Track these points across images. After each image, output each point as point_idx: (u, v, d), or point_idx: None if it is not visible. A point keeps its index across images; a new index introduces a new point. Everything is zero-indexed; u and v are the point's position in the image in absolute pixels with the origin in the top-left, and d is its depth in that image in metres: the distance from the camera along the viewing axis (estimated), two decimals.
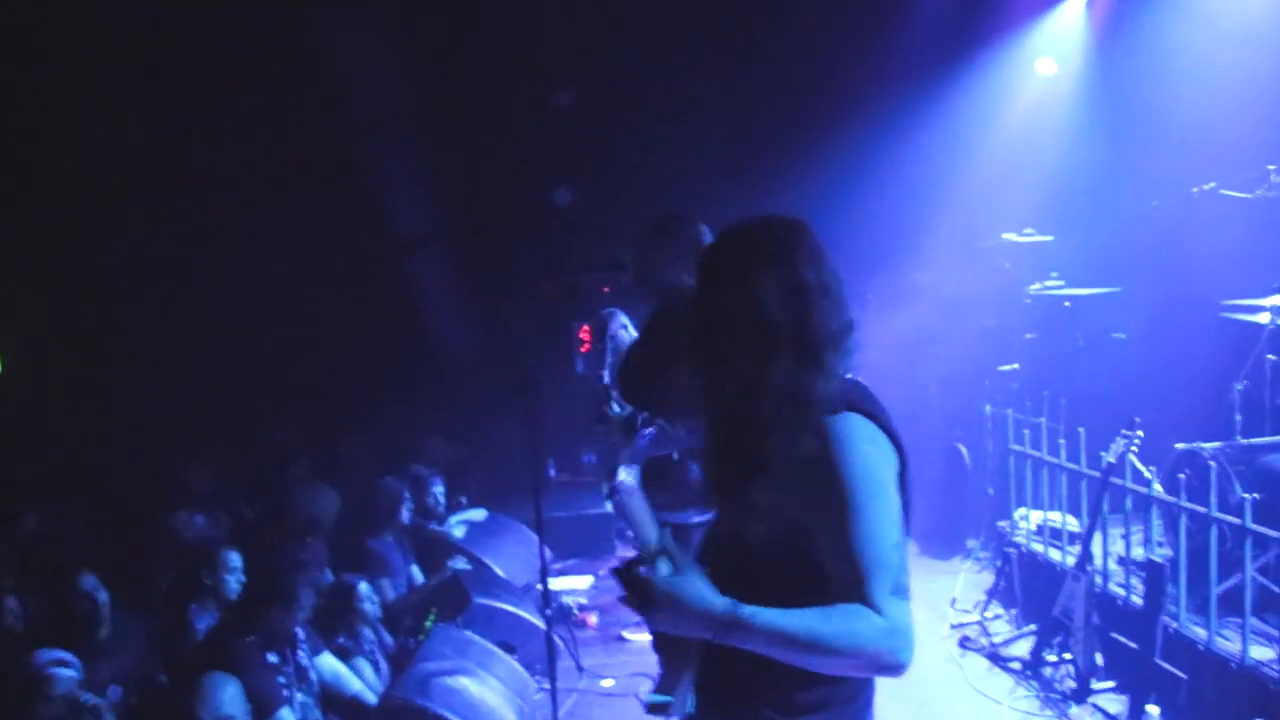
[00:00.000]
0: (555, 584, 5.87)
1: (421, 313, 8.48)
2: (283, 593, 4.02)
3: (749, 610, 1.49)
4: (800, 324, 1.65)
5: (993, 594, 5.64)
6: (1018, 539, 5.75)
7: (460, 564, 5.77)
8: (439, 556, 5.93)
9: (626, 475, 2.62)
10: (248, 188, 7.26)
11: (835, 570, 1.54)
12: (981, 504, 6.48)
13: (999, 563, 5.84)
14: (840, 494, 1.56)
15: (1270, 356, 4.72)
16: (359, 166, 7.75)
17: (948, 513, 6.97)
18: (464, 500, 7.13)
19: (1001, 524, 6.07)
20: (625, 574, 1.55)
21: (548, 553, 4.77)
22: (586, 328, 9.36)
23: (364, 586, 4.85)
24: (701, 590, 1.52)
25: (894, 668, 1.52)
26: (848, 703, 1.72)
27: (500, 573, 5.90)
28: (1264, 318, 4.64)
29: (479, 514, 6.80)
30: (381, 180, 7.90)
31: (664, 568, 1.55)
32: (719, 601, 1.51)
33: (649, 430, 3.31)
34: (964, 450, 6.79)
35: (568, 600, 6.08)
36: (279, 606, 3.99)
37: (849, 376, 1.74)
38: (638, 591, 1.53)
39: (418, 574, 5.80)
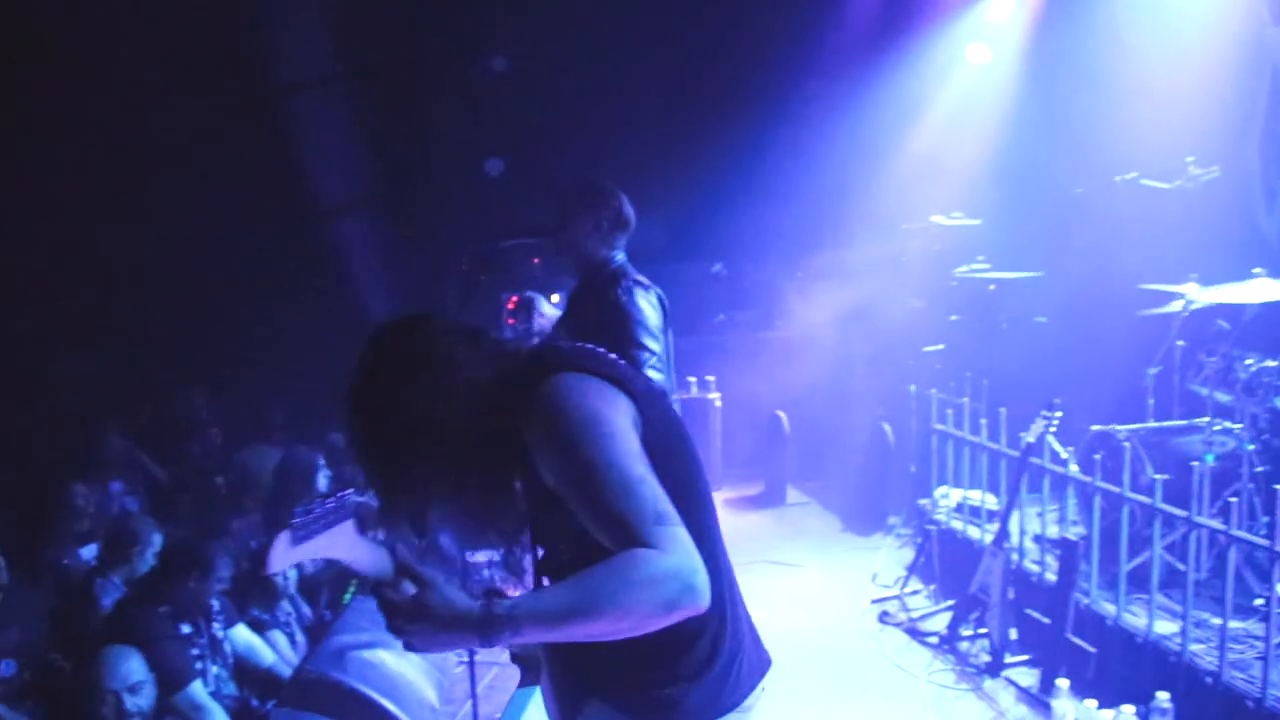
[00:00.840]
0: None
1: (344, 277, 8.41)
2: (201, 562, 3.92)
3: (505, 604, 1.43)
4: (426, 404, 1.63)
5: (912, 570, 5.68)
6: (938, 516, 5.80)
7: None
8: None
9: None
10: (163, 144, 7.08)
11: (597, 530, 1.49)
12: (904, 482, 6.52)
13: (919, 539, 5.88)
14: (565, 448, 1.53)
15: (1180, 343, 4.80)
16: (283, 126, 7.63)
17: (871, 490, 7.03)
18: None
19: (923, 501, 6.12)
20: (376, 600, 1.49)
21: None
22: (515, 300, 9.40)
23: None
24: (449, 598, 1.45)
25: (688, 593, 1.43)
26: (696, 677, 1.67)
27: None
28: (1176, 305, 4.71)
29: None
30: (306, 141, 7.76)
31: (407, 588, 1.48)
32: (471, 604, 1.44)
33: None
34: (888, 429, 6.82)
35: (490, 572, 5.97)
36: (196, 577, 3.89)
37: (577, 346, 1.73)
38: (389, 614, 1.46)
39: None
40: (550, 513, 1.60)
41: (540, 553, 1.72)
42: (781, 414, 7.53)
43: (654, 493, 1.50)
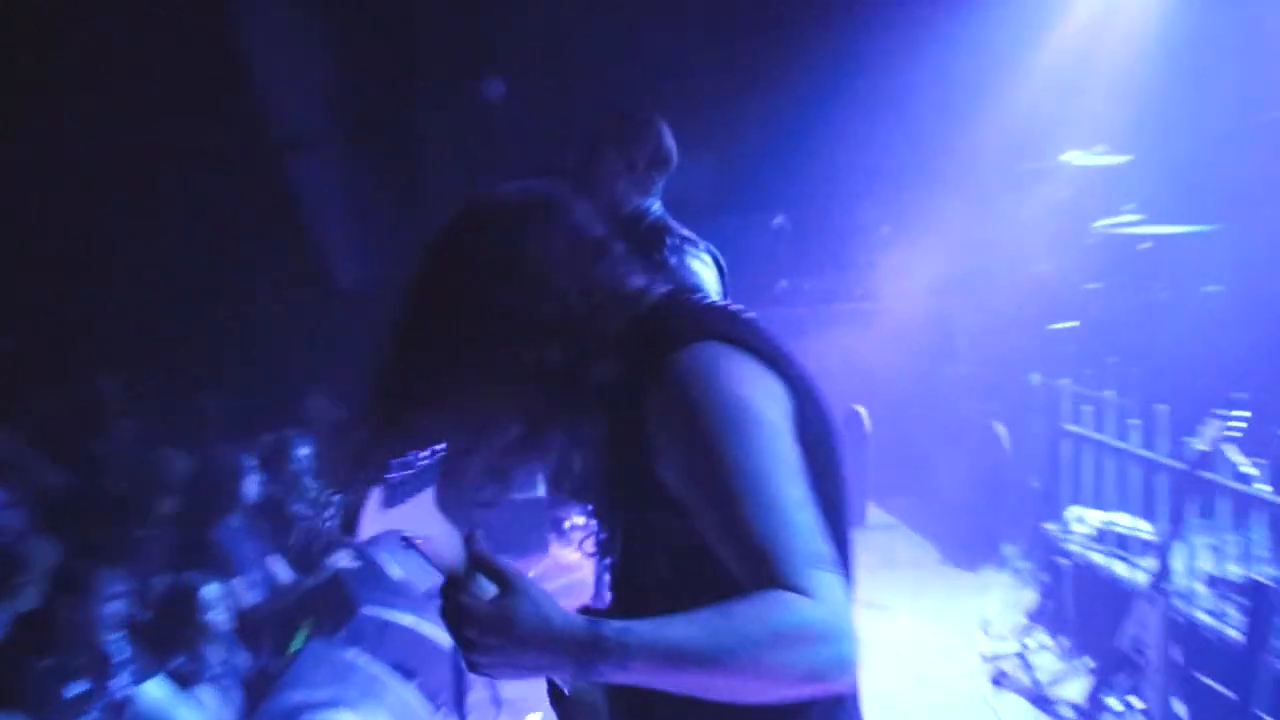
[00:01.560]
0: None
1: (304, 235, 8.47)
2: (76, 586, 3.81)
3: (617, 625, 1.43)
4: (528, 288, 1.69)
5: (1037, 617, 5.65)
6: (1071, 547, 5.74)
7: (344, 560, 5.68)
8: (315, 550, 5.86)
9: None
10: (67, 44, 7.14)
11: (728, 554, 1.51)
12: (1023, 500, 6.50)
13: (1045, 577, 5.87)
14: (707, 446, 1.54)
15: None
16: (216, 28, 7.62)
17: (978, 511, 7.02)
18: None
19: (1049, 527, 6.07)
20: (442, 603, 1.50)
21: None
22: None
23: (210, 590, 4.67)
24: (545, 610, 1.46)
25: (837, 665, 1.44)
26: None
27: (397, 572, 5.86)
28: None
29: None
30: (246, 49, 7.75)
31: (488, 587, 1.48)
32: (572, 620, 1.45)
33: None
34: (1002, 431, 6.84)
35: None
36: (69, 607, 3.76)
37: (718, 304, 1.79)
38: (459, 623, 1.48)
39: (283, 572, 5.70)
40: (655, 514, 1.64)
41: (612, 561, 1.77)
42: (861, 409, 7.52)
43: (813, 523, 1.52)
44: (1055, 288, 6.86)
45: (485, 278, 1.68)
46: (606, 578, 1.80)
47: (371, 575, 5.72)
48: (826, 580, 1.48)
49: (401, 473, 1.98)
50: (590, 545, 1.84)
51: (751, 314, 1.78)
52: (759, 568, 1.47)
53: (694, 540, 1.56)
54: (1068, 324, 6.63)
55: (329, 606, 5.16)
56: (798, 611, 1.44)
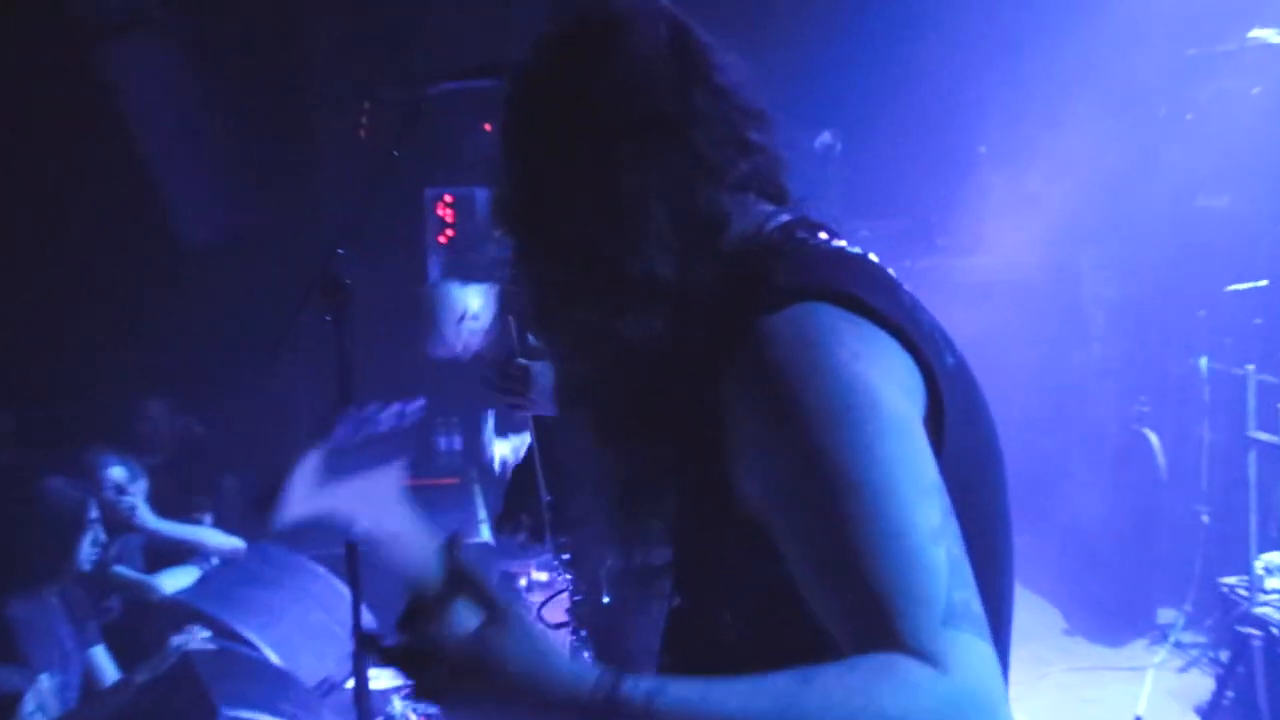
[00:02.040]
0: (380, 679, 5.43)
1: (133, 163, 8.44)
2: None
3: (646, 685, 1.48)
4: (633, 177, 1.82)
5: (1213, 711, 5.64)
6: (1262, 610, 5.71)
7: (196, 639, 5.70)
8: (155, 626, 5.98)
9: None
10: None
11: (825, 603, 1.58)
12: (1189, 542, 6.57)
13: (1224, 655, 5.90)
14: (798, 444, 1.61)
15: None
16: None
17: (1123, 557, 7.06)
18: (203, 517, 7.25)
19: (1229, 581, 6.10)
20: (401, 642, 1.57)
21: (368, 617, 4.61)
22: (450, 199, 9.16)
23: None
24: (544, 652, 1.52)
25: None
26: None
27: (274, 658, 5.86)
28: None
29: (227, 542, 6.86)
30: None
31: (467, 618, 1.55)
32: (584, 671, 1.50)
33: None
34: (1154, 439, 6.95)
35: (404, 709, 5.70)
36: None
37: (845, 248, 1.86)
38: (422, 664, 1.56)
39: (106, 663, 5.73)
40: (729, 547, 1.74)
41: (679, 600, 1.89)
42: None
43: (953, 563, 1.55)
44: (1236, 229, 6.89)
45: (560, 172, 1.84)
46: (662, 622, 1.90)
47: (236, 661, 5.71)
48: (967, 645, 1.49)
49: (354, 432, 2.16)
50: (562, 608, 1.94)
51: (891, 270, 1.84)
52: (868, 621, 1.51)
53: (782, 585, 1.62)
54: (1253, 284, 6.61)
55: (174, 708, 5.12)
56: (918, 687, 1.46)
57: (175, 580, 6.59)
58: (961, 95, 8.55)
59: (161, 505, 6.80)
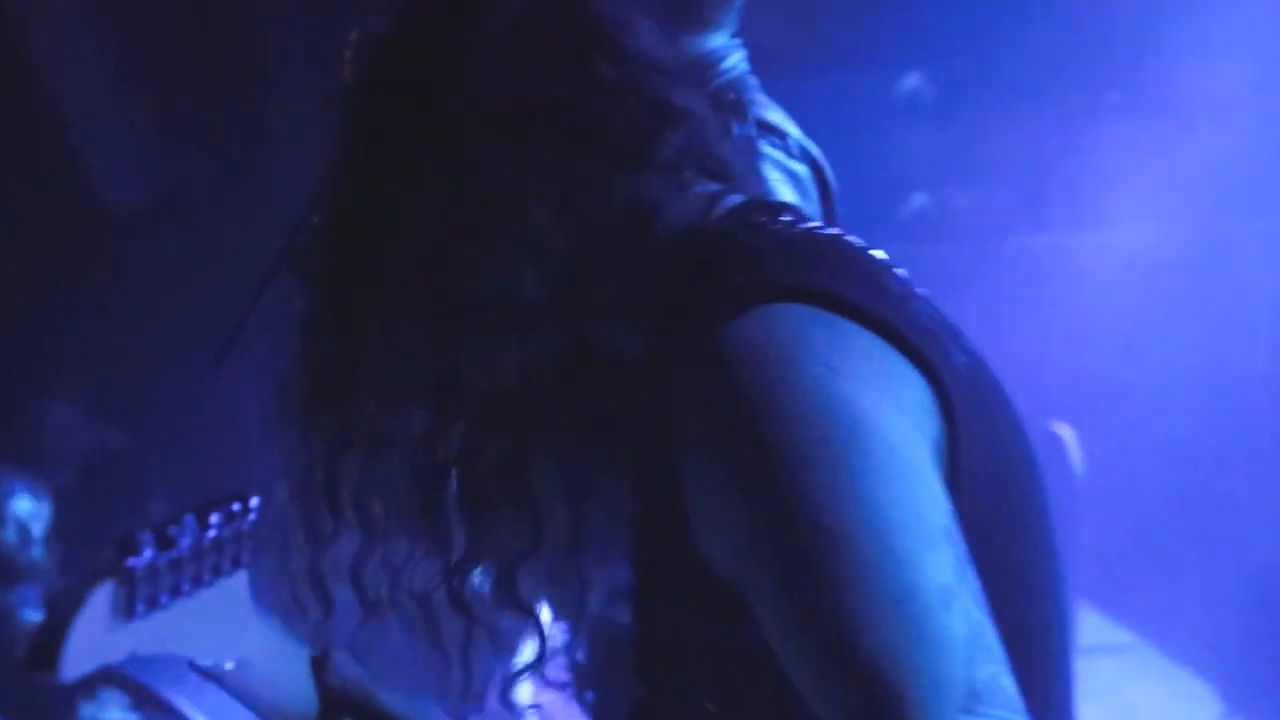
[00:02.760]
0: None
1: (48, 117, 8.38)
2: None
3: None
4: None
5: None
6: None
7: (112, 709, 5.96)
8: (61, 692, 5.99)
9: None
10: None
11: (813, 689, 1.57)
12: None
13: None
14: (770, 488, 1.59)
15: None
16: None
17: None
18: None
19: None
20: None
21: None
22: None
23: None
24: None
25: None
26: None
27: None
28: None
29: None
30: None
31: None
32: None
33: None
34: None
35: None
36: None
37: (822, 232, 1.93)
38: None
39: None
40: (692, 616, 1.73)
41: (644, 688, 1.90)
42: (1064, 430, 7.61)
43: (970, 628, 1.56)
44: None
45: (434, 183, 1.80)
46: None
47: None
48: None
49: (157, 553, 2.02)
50: (560, 674, 2.02)
51: (879, 253, 1.89)
52: (870, 709, 1.51)
53: (760, 660, 1.61)
54: None
55: None
56: None
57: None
58: (1085, 27, 8.30)
59: (71, 537, 6.80)
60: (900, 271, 1.85)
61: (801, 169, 3.58)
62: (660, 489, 1.68)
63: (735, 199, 1.87)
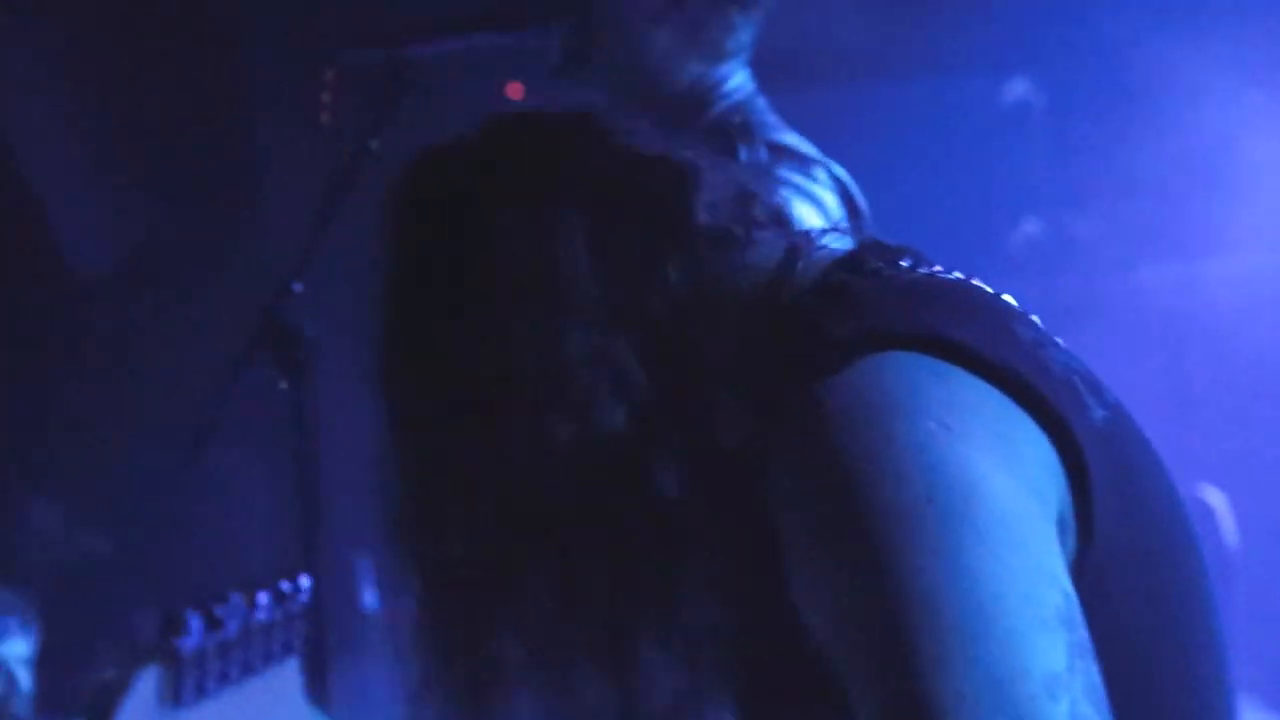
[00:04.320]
0: None
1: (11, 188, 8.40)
2: None
3: None
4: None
5: None
6: None
7: None
8: None
9: None
10: None
11: None
12: None
13: None
14: (862, 556, 1.61)
15: None
16: None
17: None
18: (106, 674, 7.03)
19: None
20: None
21: None
22: None
23: None
24: None
25: None
26: None
27: None
28: None
29: None
30: None
31: None
32: None
33: None
34: None
35: None
36: None
37: (937, 275, 1.96)
38: None
39: None
40: (793, 696, 1.81)
41: None
42: (1211, 495, 7.06)
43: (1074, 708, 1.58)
44: None
45: (480, 299, 1.87)
46: None
47: None
48: None
49: (213, 634, 2.03)
50: None
51: (1008, 298, 1.94)
52: None
53: None
54: None
55: None
56: None
57: None
58: (1221, 16, 7.87)
59: (48, 656, 6.59)
60: (1033, 319, 1.88)
61: (826, 194, 3.63)
62: (754, 557, 1.71)
63: (834, 247, 1.91)
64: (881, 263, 1.86)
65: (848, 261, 1.87)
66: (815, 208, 3.59)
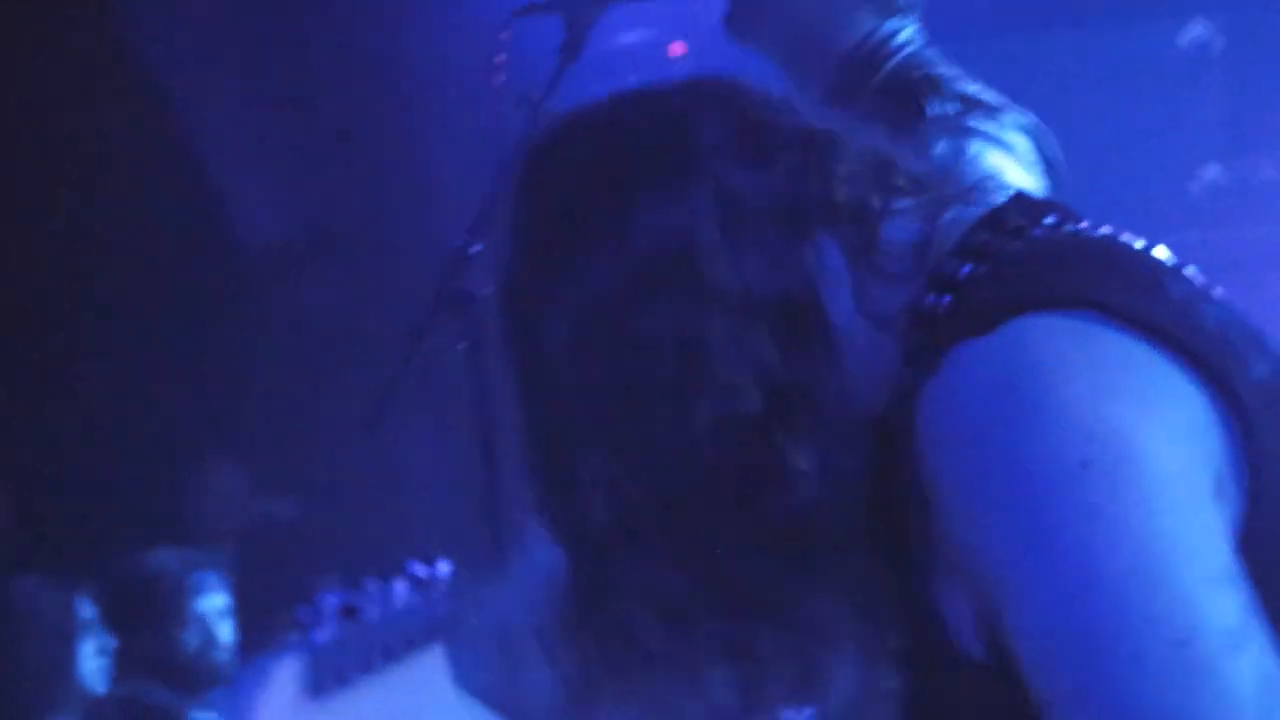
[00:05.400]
0: None
1: (174, 145, 8.73)
2: None
3: None
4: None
5: None
6: None
7: None
8: None
9: None
10: None
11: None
12: None
13: None
14: (1018, 523, 1.57)
15: None
16: None
17: None
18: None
19: None
20: None
21: None
22: None
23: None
24: None
25: None
26: None
27: None
28: None
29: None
30: None
31: None
32: None
33: None
34: None
35: None
36: None
37: (1054, 228, 1.87)
38: None
39: None
40: (971, 678, 1.72)
41: None
42: None
43: (1260, 679, 1.50)
44: None
45: (636, 293, 1.81)
46: None
47: None
48: None
49: (353, 623, 2.06)
50: None
51: (1162, 252, 1.83)
52: None
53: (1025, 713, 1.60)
54: None
55: None
56: None
57: None
58: None
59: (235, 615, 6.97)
60: (1188, 272, 1.78)
61: (1020, 141, 3.52)
62: (913, 538, 1.69)
63: (986, 202, 1.84)
64: (1025, 221, 1.81)
65: (990, 221, 1.81)
66: (1010, 157, 3.49)
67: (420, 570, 2.22)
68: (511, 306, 1.90)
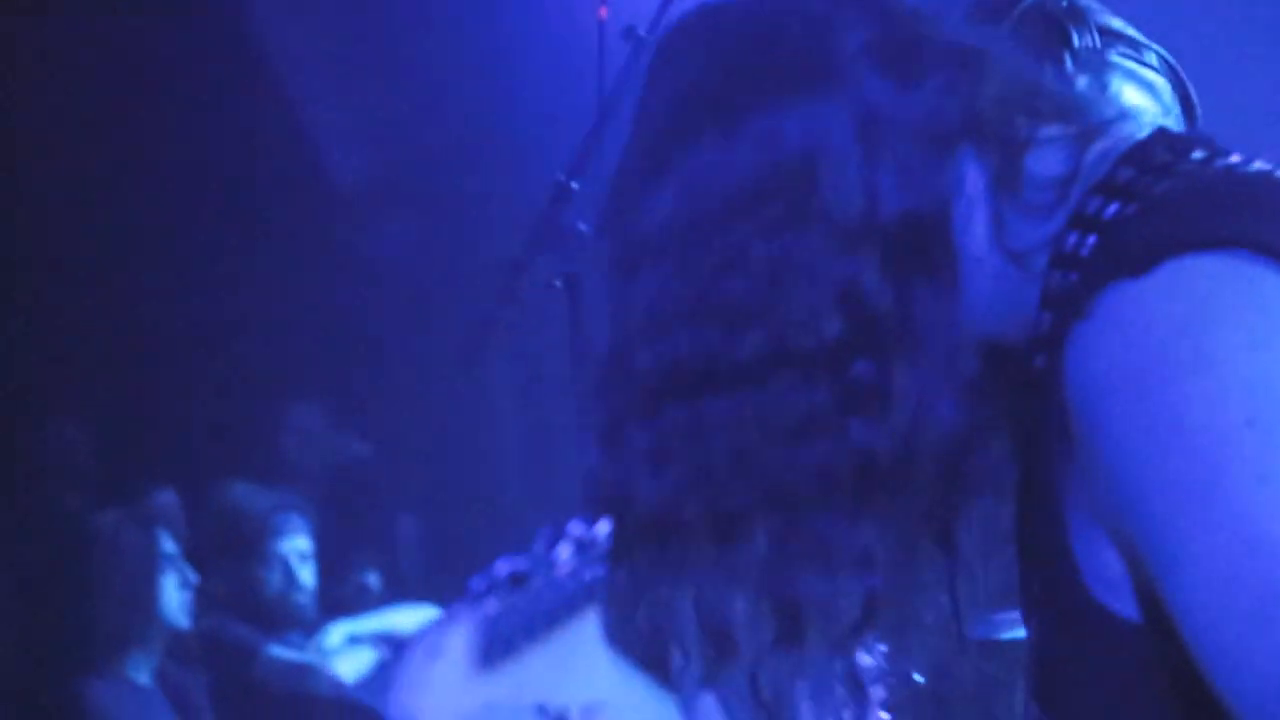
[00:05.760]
0: None
1: (272, 107, 8.82)
2: None
3: None
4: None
5: None
6: None
7: None
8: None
9: None
10: None
11: (1226, 687, 1.47)
12: None
13: None
14: (1176, 482, 1.50)
15: None
16: None
17: None
18: (367, 578, 7.69)
19: None
20: None
21: None
22: None
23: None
24: None
25: None
26: None
27: None
28: None
29: (410, 616, 7.02)
30: None
31: None
32: None
33: None
34: None
35: None
36: None
37: (1204, 162, 1.76)
38: None
39: None
40: (1110, 637, 1.68)
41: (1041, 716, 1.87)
42: None
43: None
44: None
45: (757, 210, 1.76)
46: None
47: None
48: None
49: (520, 591, 2.25)
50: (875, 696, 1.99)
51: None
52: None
53: (1178, 671, 1.56)
54: None
55: None
56: None
57: (351, 662, 6.61)
58: None
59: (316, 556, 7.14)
60: None
61: (1159, 79, 3.41)
62: (1052, 495, 1.65)
63: (1123, 141, 1.75)
64: (1172, 156, 1.72)
65: (1136, 157, 1.73)
66: (1149, 94, 3.40)
67: (579, 530, 2.34)
68: (619, 195, 1.86)
